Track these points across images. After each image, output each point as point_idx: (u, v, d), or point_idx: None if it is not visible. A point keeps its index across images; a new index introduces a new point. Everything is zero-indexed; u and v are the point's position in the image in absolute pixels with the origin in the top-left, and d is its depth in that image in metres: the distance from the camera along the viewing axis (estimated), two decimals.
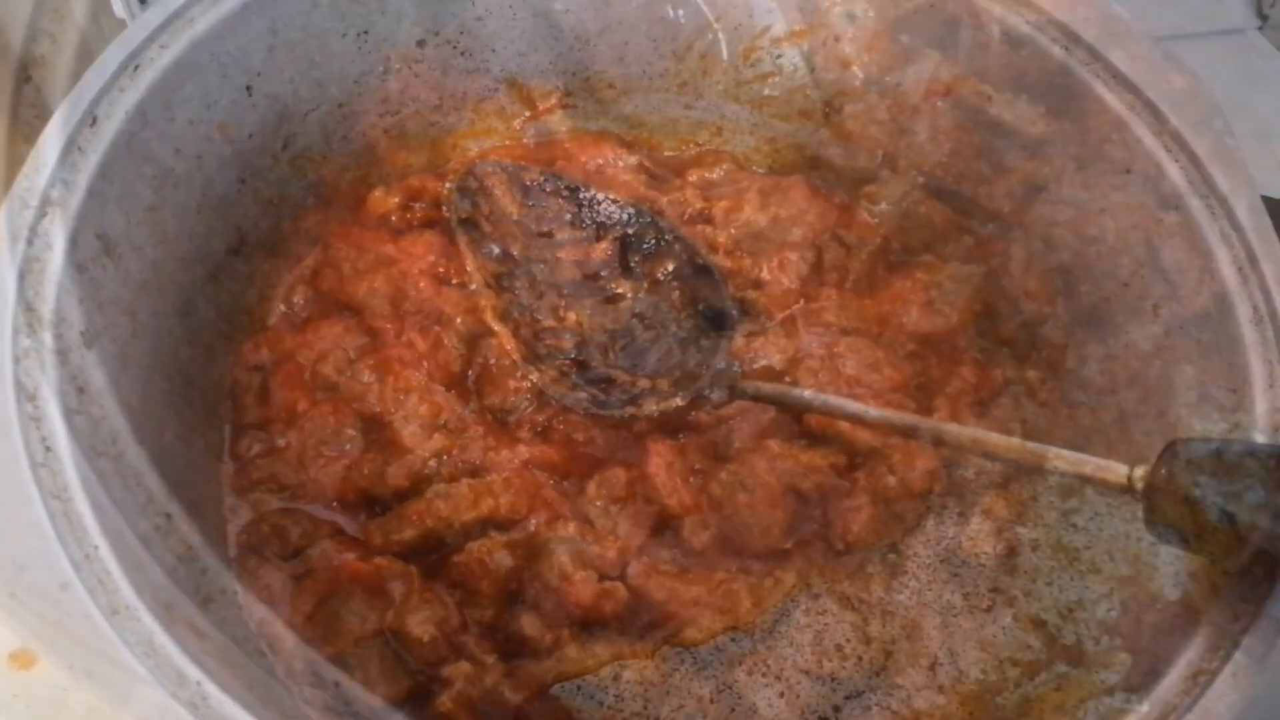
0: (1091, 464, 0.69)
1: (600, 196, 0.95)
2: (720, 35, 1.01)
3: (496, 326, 0.86)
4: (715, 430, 0.83)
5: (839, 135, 0.97)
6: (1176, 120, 0.80)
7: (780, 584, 0.76)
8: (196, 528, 0.69)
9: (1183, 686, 0.64)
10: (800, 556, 0.78)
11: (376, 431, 0.80)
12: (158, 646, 0.57)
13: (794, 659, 0.74)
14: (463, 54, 0.97)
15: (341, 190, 0.94)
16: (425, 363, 0.82)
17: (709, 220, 0.95)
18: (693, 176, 1.00)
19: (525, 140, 1.01)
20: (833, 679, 0.73)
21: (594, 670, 0.73)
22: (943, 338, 0.88)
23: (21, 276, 0.65)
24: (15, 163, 0.69)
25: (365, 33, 0.92)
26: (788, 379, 0.85)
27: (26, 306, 0.64)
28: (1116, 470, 0.68)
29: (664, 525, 0.78)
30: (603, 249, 0.93)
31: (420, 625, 0.71)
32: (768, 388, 0.84)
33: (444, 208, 0.93)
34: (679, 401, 0.84)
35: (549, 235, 0.94)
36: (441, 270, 0.89)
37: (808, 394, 0.82)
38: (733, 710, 0.71)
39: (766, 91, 1.02)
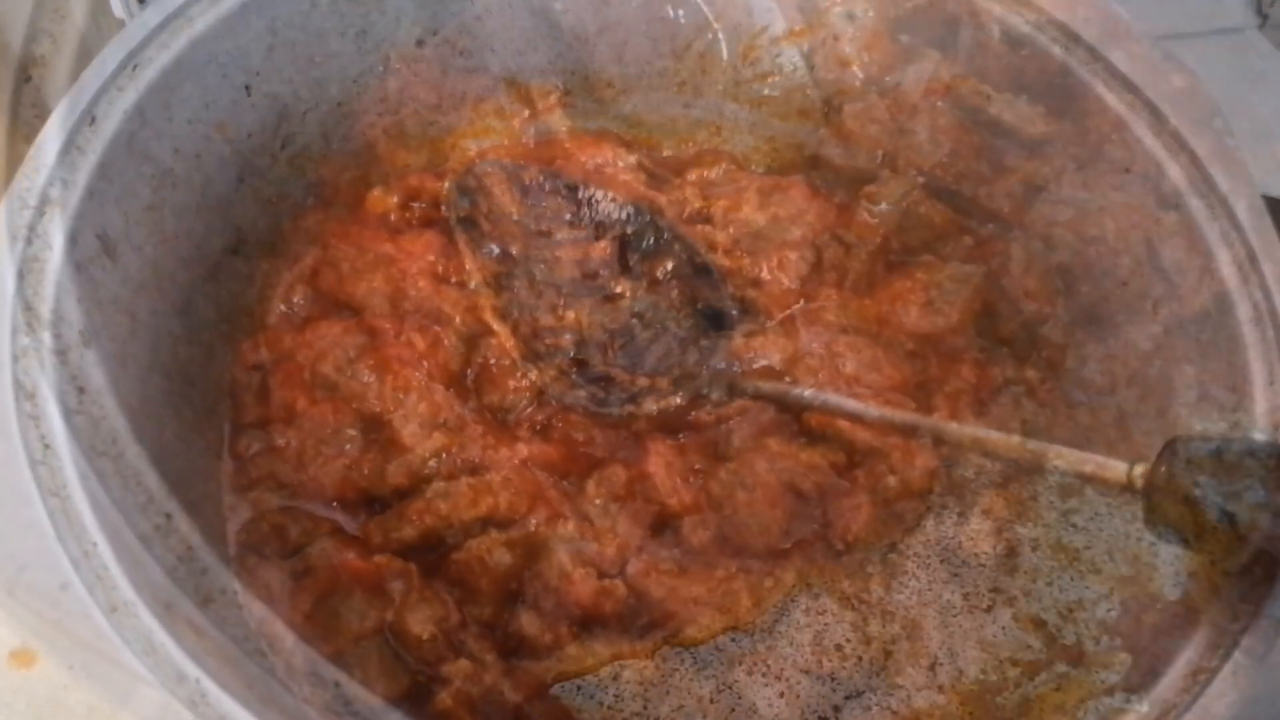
0: (1092, 462, 0.69)
1: (599, 195, 0.95)
2: (719, 34, 1.01)
3: (496, 325, 0.86)
4: (715, 429, 0.83)
5: (838, 135, 0.97)
6: (1176, 120, 0.80)
7: (780, 583, 0.76)
8: (196, 526, 0.69)
9: (1182, 685, 0.64)
10: (800, 556, 0.78)
11: (376, 430, 0.80)
12: (157, 644, 0.57)
13: (794, 658, 0.74)
14: (462, 53, 0.97)
15: (341, 189, 0.94)
16: (425, 362, 0.82)
17: (708, 219, 0.95)
18: (692, 176, 0.99)
19: (524, 139, 1.01)
20: (833, 679, 0.73)
21: (594, 669, 0.72)
22: (942, 337, 0.87)
23: (21, 275, 0.65)
24: (15, 162, 0.69)
25: (364, 32, 0.92)
26: (787, 378, 0.85)
27: (25, 305, 0.65)
28: (1116, 468, 0.68)
29: (663, 524, 0.78)
30: (602, 248, 0.93)
31: (420, 623, 0.71)
32: (767, 386, 0.84)
33: (443, 207, 0.93)
34: (678, 400, 0.84)
35: (548, 234, 0.94)
36: (441, 269, 0.88)
37: (807, 393, 0.82)
38: (732, 710, 0.71)
39: (766, 91, 1.02)
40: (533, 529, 0.76)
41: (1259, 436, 0.71)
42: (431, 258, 0.88)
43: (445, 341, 0.84)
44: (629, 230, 0.93)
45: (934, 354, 0.87)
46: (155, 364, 0.75)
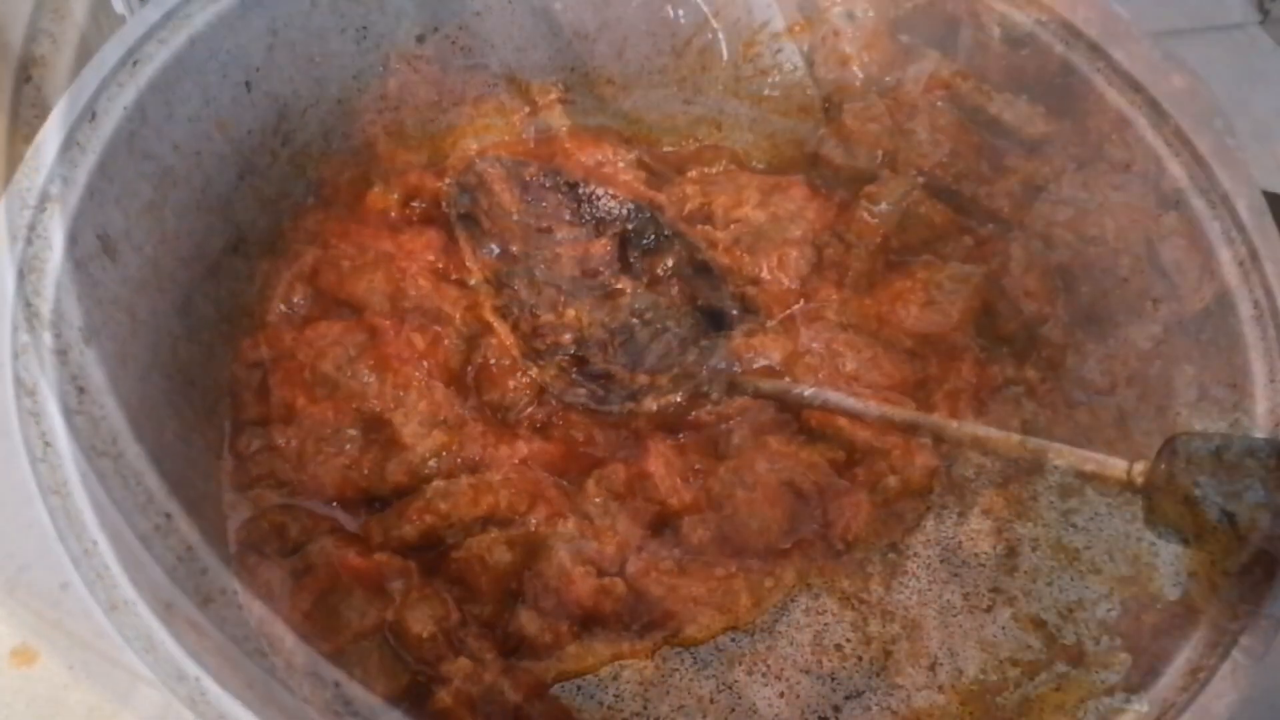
0: (1092, 461, 0.69)
1: (599, 193, 0.95)
2: (719, 32, 1.00)
3: (496, 323, 0.86)
4: (715, 428, 0.83)
5: (838, 134, 0.97)
6: (1177, 118, 0.80)
7: (780, 583, 0.76)
8: (196, 525, 0.69)
9: (1182, 684, 0.64)
10: (800, 555, 0.77)
11: (376, 429, 0.80)
12: (157, 643, 0.57)
13: (794, 658, 0.74)
14: (462, 51, 0.97)
15: (341, 188, 0.94)
16: (425, 360, 0.82)
17: (708, 217, 0.95)
18: (692, 173, 0.99)
19: (524, 137, 1.01)
20: (833, 678, 0.73)
21: (593, 669, 0.72)
22: (942, 336, 0.87)
23: (21, 274, 0.65)
24: (15, 162, 0.69)
25: (364, 30, 0.92)
26: (787, 377, 0.85)
27: (26, 304, 0.64)
28: (1116, 466, 0.68)
29: (663, 523, 0.78)
30: (602, 245, 0.93)
31: (419, 622, 0.71)
32: (767, 385, 0.84)
33: (443, 204, 0.93)
34: (678, 398, 0.84)
35: (548, 231, 0.94)
36: (441, 267, 0.89)
37: (807, 391, 0.82)
38: (732, 710, 0.71)
39: (766, 89, 1.02)
40: (533, 528, 0.76)
41: (1259, 435, 0.71)
42: (431, 256, 0.88)
43: (445, 340, 0.84)
44: (629, 228, 0.93)
45: (934, 353, 0.87)
46: (155, 363, 0.75)
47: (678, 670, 0.73)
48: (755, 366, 0.86)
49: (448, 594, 0.73)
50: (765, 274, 0.91)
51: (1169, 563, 0.71)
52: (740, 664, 0.73)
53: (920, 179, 0.93)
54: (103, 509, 0.60)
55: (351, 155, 0.95)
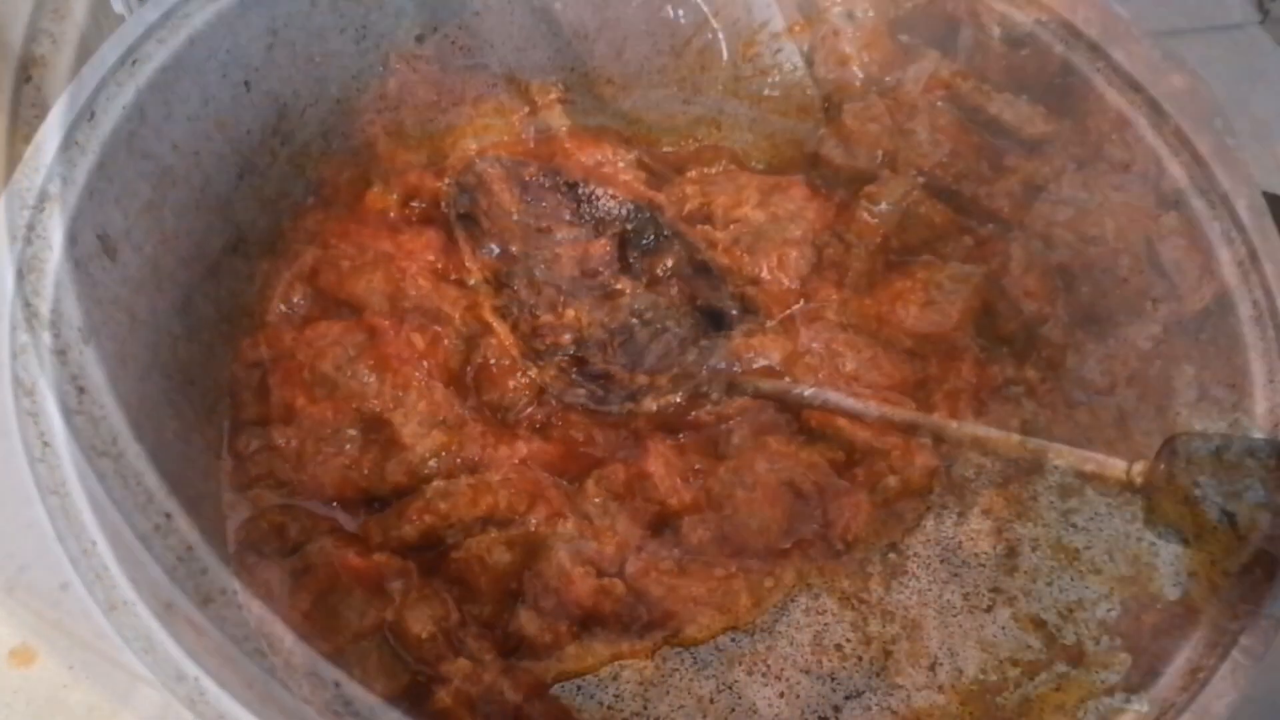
0: (1092, 460, 0.70)
1: (599, 193, 0.95)
2: (719, 32, 1.00)
3: (495, 323, 0.86)
4: (714, 428, 0.83)
5: (838, 134, 0.97)
6: (1177, 118, 0.80)
7: (780, 583, 0.76)
8: (195, 525, 0.69)
9: (1181, 684, 0.64)
10: (800, 555, 0.77)
11: (375, 429, 0.80)
12: (156, 643, 0.57)
13: (793, 658, 0.74)
14: (461, 51, 0.97)
15: (340, 187, 0.94)
16: (424, 360, 0.82)
17: (708, 217, 0.95)
18: (691, 173, 0.99)
19: (524, 137, 1.01)
20: (832, 678, 0.73)
21: (593, 669, 0.72)
22: (942, 336, 0.87)
23: (20, 274, 0.65)
24: (15, 162, 0.69)
25: (364, 30, 0.92)
26: (787, 377, 0.85)
27: (25, 303, 0.64)
28: (1116, 466, 0.68)
29: (663, 523, 0.78)
30: (602, 245, 0.93)
31: (419, 622, 0.71)
32: (767, 385, 0.84)
33: (443, 204, 0.93)
34: (678, 399, 0.84)
35: (548, 231, 0.94)
36: (440, 267, 0.88)
37: (807, 391, 0.82)
38: (732, 710, 0.71)
39: (766, 89, 1.02)
40: (532, 528, 0.76)
41: (1259, 435, 0.71)
42: (431, 256, 0.88)
43: (445, 340, 0.84)
44: (629, 228, 0.93)
45: (934, 353, 0.87)
46: (155, 363, 0.75)
47: (677, 670, 0.73)
48: (755, 366, 0.86)
49: (447, 594, 0.73)
50: (765, 274, 0.91)
51: (1169, 563, 0.71)
52: (740, 664, 0.73)
53: (920, 179, 0.93)
54: (102, 509, 0.60)
55: (351, 155, 0.95)
